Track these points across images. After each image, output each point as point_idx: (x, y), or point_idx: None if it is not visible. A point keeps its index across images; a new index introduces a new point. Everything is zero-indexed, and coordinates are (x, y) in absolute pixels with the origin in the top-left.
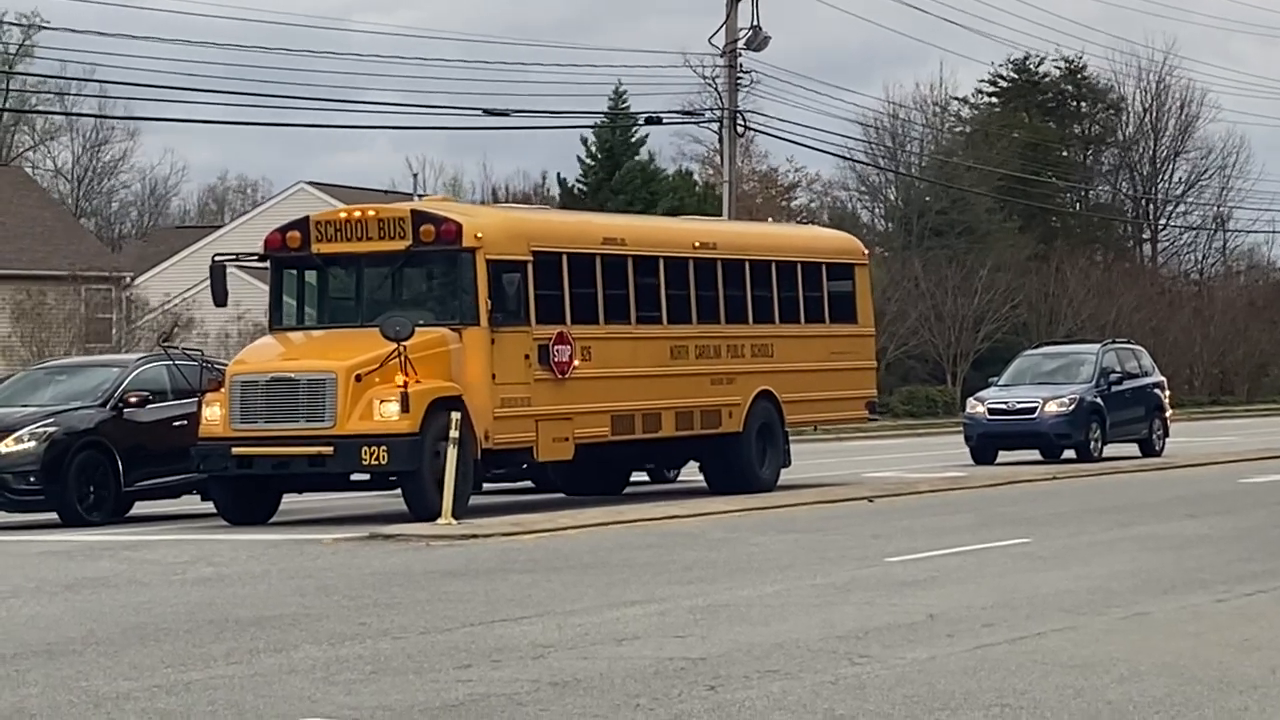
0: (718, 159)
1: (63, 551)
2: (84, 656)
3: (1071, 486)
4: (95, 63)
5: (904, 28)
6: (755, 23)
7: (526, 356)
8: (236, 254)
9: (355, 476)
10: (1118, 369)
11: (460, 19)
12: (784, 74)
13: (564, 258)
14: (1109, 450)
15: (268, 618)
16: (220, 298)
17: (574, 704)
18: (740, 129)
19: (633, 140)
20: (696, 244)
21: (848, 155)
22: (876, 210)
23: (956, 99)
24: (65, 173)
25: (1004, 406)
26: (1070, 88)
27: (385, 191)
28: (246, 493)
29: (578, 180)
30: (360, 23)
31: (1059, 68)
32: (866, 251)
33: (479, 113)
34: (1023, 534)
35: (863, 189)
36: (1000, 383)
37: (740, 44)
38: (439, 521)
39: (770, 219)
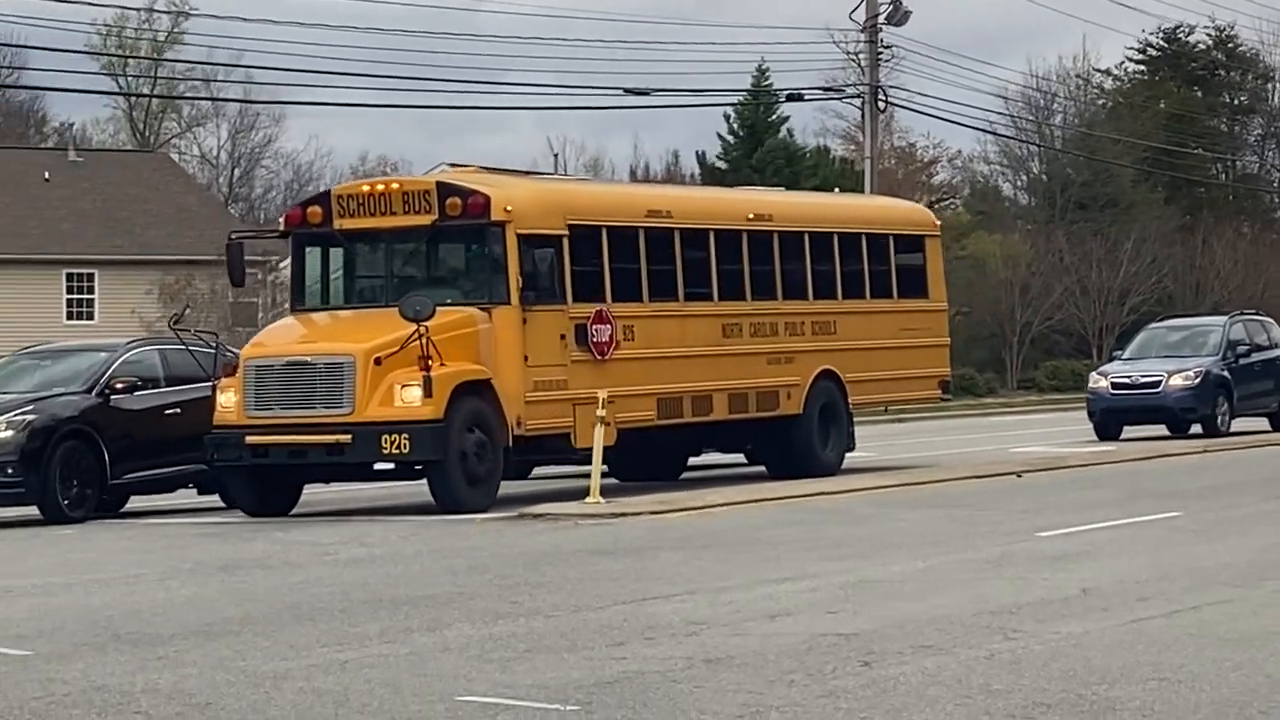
0: (859, 135)
1: (217, 534)
2: (241, 636)
3: (1219, 460)
4: (241, 49)
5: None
6: None
7: (562, 337)
8: (255, 231)
9: (379, 466)
10: (1246, 341)
11: None
12: (925, 48)
13: (604, 231)
14: (1237, 425)
15: (420, 597)
16: (238, 277)
17: (728, 680)
18: (881, 104)
19: (773, 117)
20: (750, 216)
21: (990, 129)
22: (1019, 184)
23: (1099, 71)
24: (211, 159)
25: (1127, 380)
26: (1221, 56)
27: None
28: (265, 483)
29: (718, 158)
30: (501, 4)
31: (1210, 34)
32: (938, 222)
33: (620, 92)
34: (1174, 507)
35: (1005, 163)
36: (1125, 356)
37: (881, 19)
38: (587, 500)
39: (836, 189)
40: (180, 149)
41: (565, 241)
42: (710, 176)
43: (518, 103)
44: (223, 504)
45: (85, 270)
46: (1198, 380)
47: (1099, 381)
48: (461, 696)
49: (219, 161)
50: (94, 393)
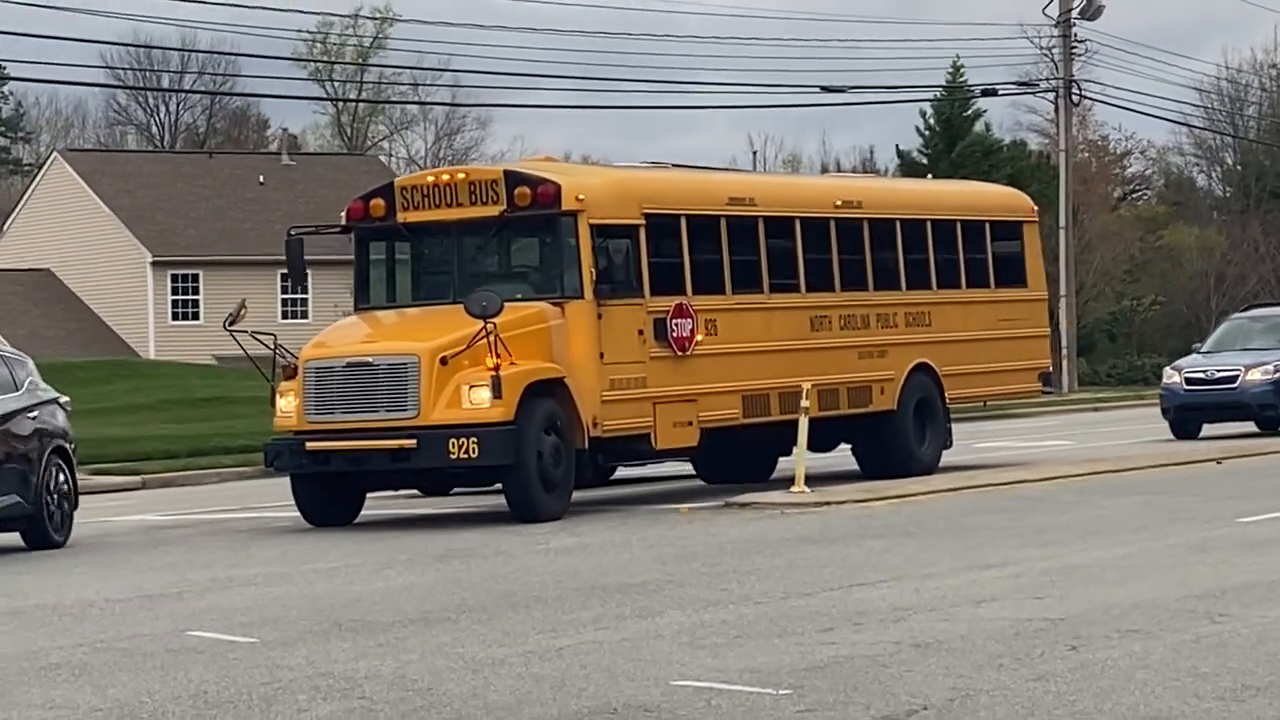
0: (1053, 129)
1: (431, 524)
2: (458, 624)
3: None
4: (449, 54)
5: None
6: None
7: (640, 332)
8: (315, 226)
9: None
10: None
11: None
12: (1118, 42)
13: (683, 220)
14: None
15: (631, 585)
16: (298, 276)
17: (937, 664)
18: (1075, 98)
19: (969, 112)
20: (838, 203)
21: (1184, 121)
22: (1214, 174)
23: None
24: (419, 161)
25: (1202, 376)
26: None
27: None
28: (328, 490)
29: (918, 150)
30: (699, 4)
31: None
32: (1036, 208)
33: (817, 90)
34: None
35: (1199, 154)
36: (1203, 350)
37: (1074, 13)
38: (792, 490)
39: (929, 175)
40: (389, 152)
41: (642, 231)
42: (909, 171)
43: (714, 102)
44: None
45: None
46: (1278, 374)
47: (1172, 377)
48: (675, 681)
49: (426, 164)
50: None
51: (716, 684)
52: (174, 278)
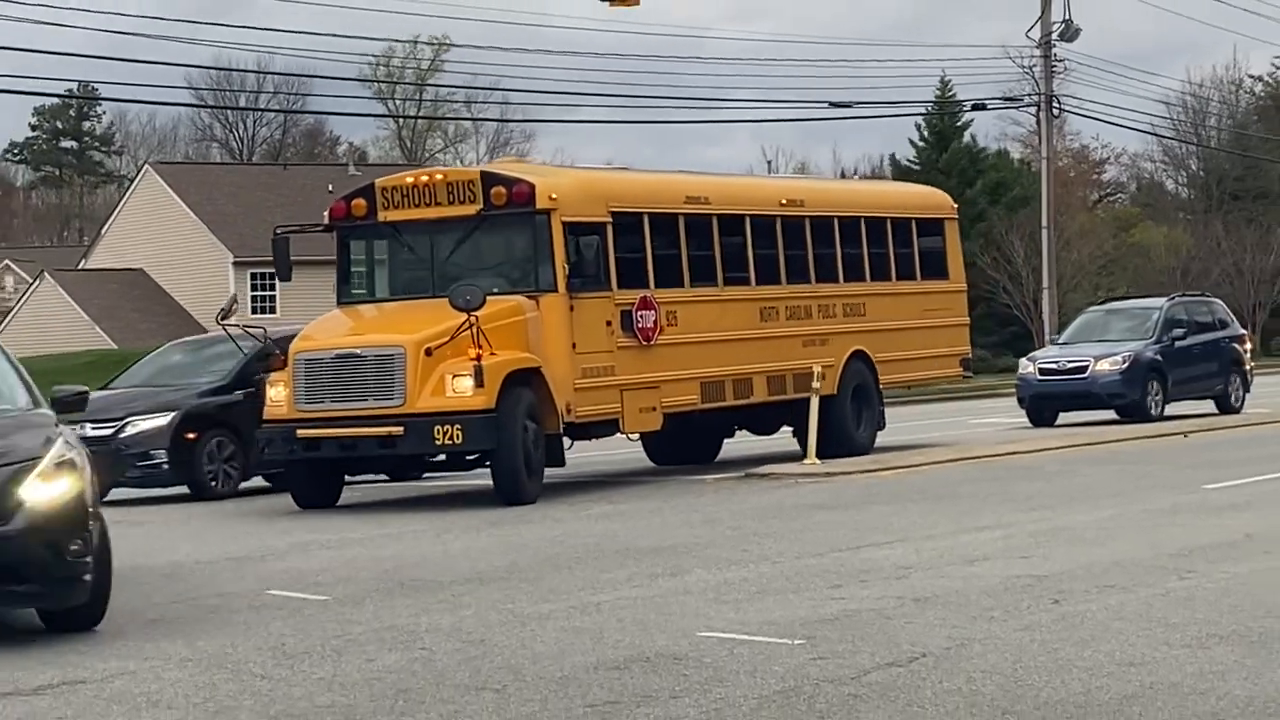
0: (1035, 139)
1: (483, 498)
2: (509, 582)
3: None
4: (499, 74)
5: (1201, 15)
6: (1067, 16)
7: (608, 323)
8: (300, 225)
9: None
10: (1185, 323)
11: (810, 25)
12: (1094, 60)
13: (645, 218)
14: (1173, 409)
15: (663, 547)
16: (284, 272)
17: (934, 616)
18: (1055, 111)
19: (959, 125)
20: (783, 201)
21: (1153, 131)
22: (1180, 180)
23: (1251, 77)
24: None
25: (1055, 366)
26: None
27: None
28: (319, 476)
29: (909, 161)
30: (723, 30)
31: None
32: (955, 206)
33: (826, 105)
34: None
35: (1166, 161)
36: (1060, 340)
37: (1054, 36)
38: (805, 462)
39: (857, 176)
40: (444, 163)
41: (609, 229)
42: (903, 178)
43: (736, 117)
44: None
45: None
46: (1126, 365)
47: (1027, 367)
48: (702, 633)
49: None
50: None
51: (739, 635)
52: (253, 276)
